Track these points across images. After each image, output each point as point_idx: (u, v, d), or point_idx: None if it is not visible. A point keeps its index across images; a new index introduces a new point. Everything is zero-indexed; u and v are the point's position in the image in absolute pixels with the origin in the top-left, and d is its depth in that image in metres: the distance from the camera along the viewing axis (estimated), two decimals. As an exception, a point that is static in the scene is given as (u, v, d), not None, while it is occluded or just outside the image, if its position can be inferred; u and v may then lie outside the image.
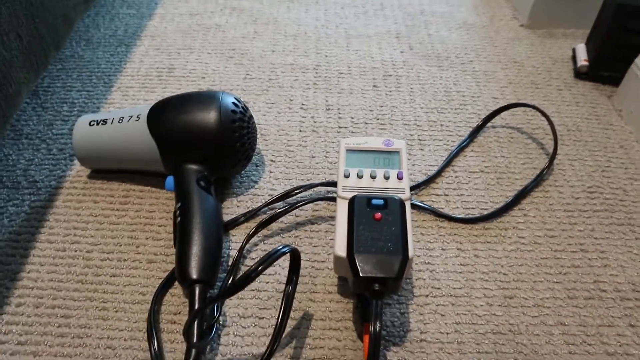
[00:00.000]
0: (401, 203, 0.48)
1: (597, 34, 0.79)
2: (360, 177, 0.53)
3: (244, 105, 0.61)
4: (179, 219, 0.53)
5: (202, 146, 0.57)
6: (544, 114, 0.68)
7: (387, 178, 0.53)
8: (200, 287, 0.49)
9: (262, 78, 0.78)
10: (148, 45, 0.84)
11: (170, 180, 0.57)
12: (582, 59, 0.80)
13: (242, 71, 0.80)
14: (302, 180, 0.64)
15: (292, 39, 0.87)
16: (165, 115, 0.58)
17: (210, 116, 0.57)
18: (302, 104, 0.74)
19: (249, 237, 0.56)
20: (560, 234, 0.59)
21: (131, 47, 0.84)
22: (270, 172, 0.65)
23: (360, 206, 0.48)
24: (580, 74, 0.80)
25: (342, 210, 0.49)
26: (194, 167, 0.57)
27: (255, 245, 0.57)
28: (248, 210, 0.60)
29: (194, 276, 0.49)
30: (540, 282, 0.54)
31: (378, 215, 0.47)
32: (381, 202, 0.48)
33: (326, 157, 0.67)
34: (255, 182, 0.64)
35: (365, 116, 0.72)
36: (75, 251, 0.55)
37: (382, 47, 0.86)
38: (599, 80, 0.80)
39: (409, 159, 0.66)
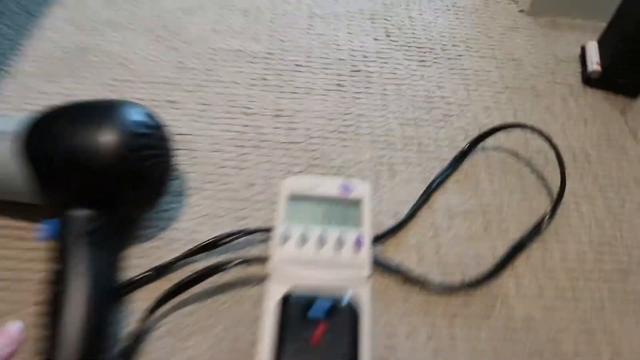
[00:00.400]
0: (352, 314, 0.34)
1: (616, 31, 0.64)
2: (303, 242, 0.38)
3: (157, 122, 0.45)
4: (54, 289, 0.38)
5: (93, 184, 0.41)
6: (549, 141, 0.53)
7: (340, 245, 0.38)
8: None
9: (197, 69, 0.62)
10: (59, 16, 0.66)
11: (50, 226, 0.41)
12: (595, 62, 0.65)
13: (173, 57, 0.63)
14: (237, 217, 0.49)
15: (241, 16, 0.69)
16: (45, 137, 0.42)
17: (105, 141, 0.41)
18: (246, 108, 0.58)
19: (152, 309, 0.42)
20: (562, 309, 0.46)
21: (36, 18, 0.65)
22: (196, 205, 0.50)
23: (294, 316, 0.33)
24: (590, 80, 0.66)
25: (270, 303, 0.35)
26: (83, 213, 0.41)
27: (164, 317, 0.42)
28: (160, 264, 0.45)
29: None
30: (534, 380, 0.41)
31: (317, 334, 0.32)
32: (323, 310, 0.33)
33: (269, 184, 0.52)
34: (173, 219, 0.49)
35: (325, 127, 0.57)
36: None
37: (352, 32, 0.69)
38: (612, 88, 0.66)
39: (375, 195, 0.52)
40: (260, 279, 0.45)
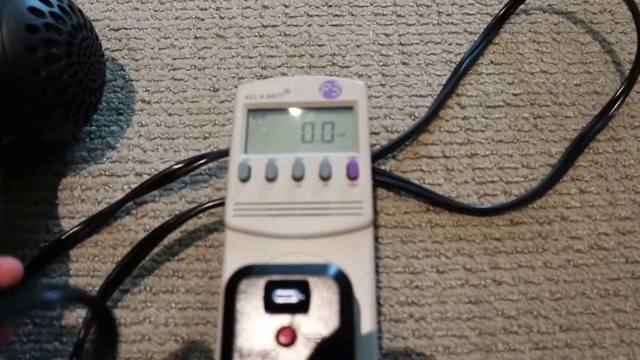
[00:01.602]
0: (343, 288, 0.21)
1: None
2: (271, 179, 0.26)
3: (66, 5, 0.31)
4: None
5: None
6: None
7: (325, 179, 0.26)
8: None
9: None
10: None
11: None
12: None
13: None
14: (198, 136, 0.37)
15: None
16: None
17: None
18: (203, -17, 0.43)
19: (103, 294, 0.31)
20: (645, 228, 0.33)
21: None
22: (143, 124, 0.37)
23: (250, 304, 0.21)
24: None
25: (225, 277, 0.23)
26: None
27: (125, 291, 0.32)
28: (98, 212, 0.34)
29: None
30: (608, 329, 0.30)
31: (287, 334, 0.20)
32: (296, 294, 0.21)
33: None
34: (112, 146, 0.36)
35: (310, 1, 0.42)
36: None
37: None
38: None
39: (380, 91, 0.38)
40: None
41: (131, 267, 0.32)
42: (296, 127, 0.29)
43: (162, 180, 0.34)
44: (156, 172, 0.34)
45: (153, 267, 0.33)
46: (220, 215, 0.33)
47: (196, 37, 0.41)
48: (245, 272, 0.21)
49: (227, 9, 0.42)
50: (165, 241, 0.33)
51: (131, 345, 0.31)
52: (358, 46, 0.40)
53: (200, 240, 0.33)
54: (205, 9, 0.42)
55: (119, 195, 0.34)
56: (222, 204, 0.30)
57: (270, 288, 0.20)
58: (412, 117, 0.37)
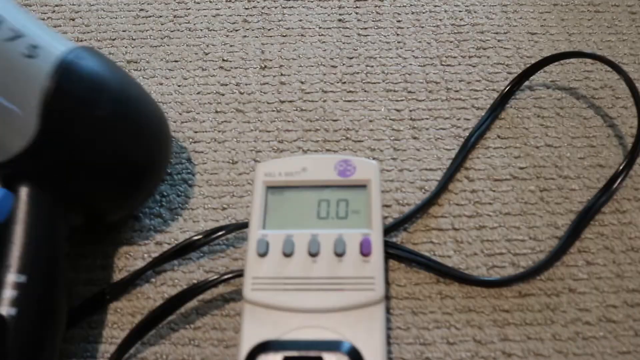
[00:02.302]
0: None
1: None
2: (288, 255, 0.27)
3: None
4: (6, 312, 0.27)
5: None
6: (617, 69, 0.40)
7: (339, 255, 0.27)
8: None
9: (163, 16, 0.49)
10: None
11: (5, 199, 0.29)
12: (671, -40, 0.50)
13: (132, 5, 0.50)
14: (217, 207, 0.38)
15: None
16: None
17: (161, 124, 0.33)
18: (224, 60, 0.46)
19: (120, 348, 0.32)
20: (653, 302, 0.34)
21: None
22: (162, 194, 0.39)
23: None
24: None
25: (247, 346, 0.25)
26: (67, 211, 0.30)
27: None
28: (116, 281, 0.35)
29: None
30: (622, 404, 0.31)
31: None
32: None
33: (255, 161, 0.40)
34: (136, 216, 0.38)
35: (324, 77, 0.45)
36: None
37: (353, -49, 0.55)
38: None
39: (392, 165, 0.40)
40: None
41: (144, 333, 0.33)
42: (312, 203, 0.30)
43: (182, 250, 0.35)
44: (176, 242, 0.36)
45: (170, 335, 0.34)
46: (237, 285, 0.35)
47: (217, 112, 0.43)
48: (263, 348, 0.22)
49: (246, 84, 0.44)
50: (182, 309, 0.34)
51: (147, 414, 0.31)
52: (371, 121, 0.42)
53: (217, 309, 0.34)
54: (226, 85, 0.44)
55: (140, 263, 0.36)
56: (239, 276, 0.32)
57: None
58: (423, 190, 0.39)
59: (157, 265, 0.35)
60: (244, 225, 0.35)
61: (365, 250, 0.28)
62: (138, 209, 0.38)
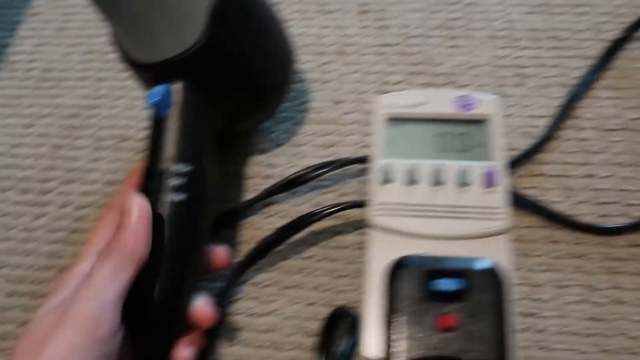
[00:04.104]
0: (492, 283, 0.23)
1: None
2: (411, 183, 0.27)
3: None
4: (176, 197, 0.28)
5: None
6: None
7: (464, 185, 0.27)
8: None
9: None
10: None
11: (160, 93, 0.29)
12: None
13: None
14: (321, 145, 0.39)
15: None
16: None
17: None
18: (324, 4, 0.46)
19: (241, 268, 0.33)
20: None
21: None
22: (269, 132, 0.40)
23: (411, 290, 0.23)
24: None
25: (374, 269, 0.25)
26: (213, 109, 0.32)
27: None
28: (227, 208, 0.36)
29: None
30: None
31: (449, 319, 0.22)
32: (455, 282, 0.23)
33: (360, 100, 0.40)
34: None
35: (425, 22, 0.44)
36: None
37: None
38: None
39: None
40: (357, 225, 0.35)
41: (255, 260, 0.34)
42: (432, 136, 0.30)
43: (291, 183, 0.36)
44: (283, 176, 0.37)
45: (280, 263, 0.35)
46: (347, 218, 0.35)
47: (318, 53, 0.43)
48: (406, 262, 0.22)
49: (346, 27, 0.44)
50: (291, 240, 0.35)
51: (260, 334, 0.33)
52: (474, 67, 0.42)
53: (325, 241, 0.35)
54: (326, 27, 0.45)
55: (248, 195, 0.37)
56: (357, 206, 0.32)
57: (430, 277, 0.22)
58: (529, 136, 0.38)
59: (267, 197, 0.36)
60: (352, 161, 0.36)
61: (490, 181, 0.28)
62: (261, 123, 0.39)
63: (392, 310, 0.22)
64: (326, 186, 0.37)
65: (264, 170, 0.38)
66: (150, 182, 0.28)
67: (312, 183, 0.37)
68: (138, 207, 0.26)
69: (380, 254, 0.27)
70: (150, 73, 0.30)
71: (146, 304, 0.26)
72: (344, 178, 0.37)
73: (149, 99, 0.28)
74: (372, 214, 0.28)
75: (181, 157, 0.28)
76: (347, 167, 0.37)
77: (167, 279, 0.27)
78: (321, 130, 0.39)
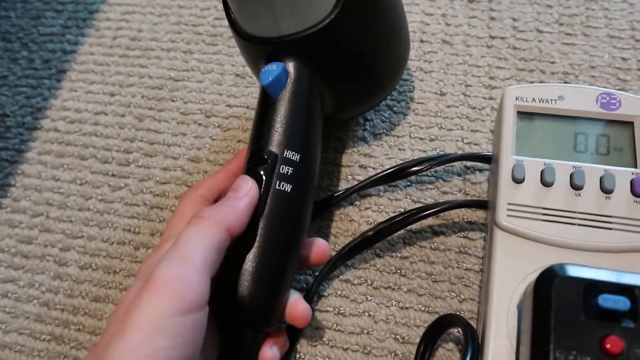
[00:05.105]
0: None
1: None
2: (547, 184, 0.24)
3: None
4: (283, 187, 0.26)
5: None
6: None
7: (608, 192, 0.24)
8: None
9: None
10: None
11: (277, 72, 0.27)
12: None
13: None
14: (424, 137, 0.36)
15: None
16: None
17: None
18: (428, -11, 0.43)
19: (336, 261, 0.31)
20: None
21: None
22: (366, 118, 0.37)
23: (566, 306, 0.20)
24: None
25: (504, 272, 0.22)
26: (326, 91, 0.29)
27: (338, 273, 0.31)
28: (324, 197, 0.34)
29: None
30: None
31: (616, 343, 0.19)
32: (625, 301, 0.19)
33: (465, 94, 0.37)
34: (339, 137, 0.37)
35: (540, 16, 0.41)
36: (46, 246, 0.33)
37: None
38: None
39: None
40: (460, 227, 0.32)
41: (350, 255, 0.31)
42: (568, 135, 0.27)
43: (390, 176, 0.33)
44: (381, 167, 0.34)
45: (374, 261, 0.32)
46: (448, 218, 0.32)
47: (422, 41, 0.40)
48: (559, 272, 0.19)
49: (453, 16, 0.41)
50: (389, 237, 0.32)
51: (349, 337, 0.30)
52: (592, 67, 0.38)
53: (425, 241, 0.32)
54: (430, 14, 0.42)
55: (343, 185, 0.34)
56: (477, 205, 0.29)
57: (590, 291, 0.19)
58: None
59: (364, 188, 0.33)
60: (456, 158, 0.33)
61: (639, 190, 0.25)
62: (366, 111, 0.36)
63: (539, 324, 0.19)
64: (426, 182, 0.34)
65: (360, 159, 0.35)
66: (256, 166, 0.26)
67: (413, 178, 0.34)
68: (248, 187, 0.25)
69: (511, 261, 0.24)
70: (265, 49, 0.28)
71: (238, 297, 0.24)
72: (446, 175, 0.34)
73: (265, 77, 0.26)
74: (501, 214, 0.25)
75: (291, 144, 0.26)
76: (451, 164, 0.34)
77: (264, 272, 0.25)
78: (423, 123, 0.37)
